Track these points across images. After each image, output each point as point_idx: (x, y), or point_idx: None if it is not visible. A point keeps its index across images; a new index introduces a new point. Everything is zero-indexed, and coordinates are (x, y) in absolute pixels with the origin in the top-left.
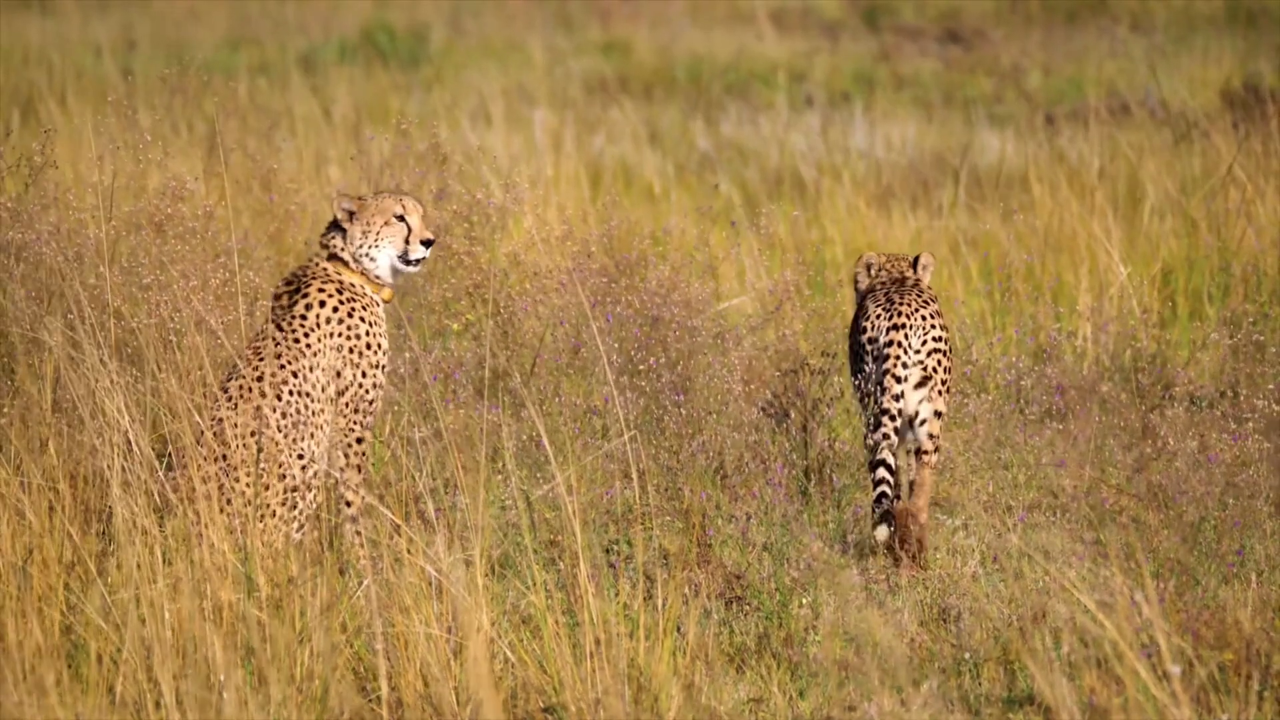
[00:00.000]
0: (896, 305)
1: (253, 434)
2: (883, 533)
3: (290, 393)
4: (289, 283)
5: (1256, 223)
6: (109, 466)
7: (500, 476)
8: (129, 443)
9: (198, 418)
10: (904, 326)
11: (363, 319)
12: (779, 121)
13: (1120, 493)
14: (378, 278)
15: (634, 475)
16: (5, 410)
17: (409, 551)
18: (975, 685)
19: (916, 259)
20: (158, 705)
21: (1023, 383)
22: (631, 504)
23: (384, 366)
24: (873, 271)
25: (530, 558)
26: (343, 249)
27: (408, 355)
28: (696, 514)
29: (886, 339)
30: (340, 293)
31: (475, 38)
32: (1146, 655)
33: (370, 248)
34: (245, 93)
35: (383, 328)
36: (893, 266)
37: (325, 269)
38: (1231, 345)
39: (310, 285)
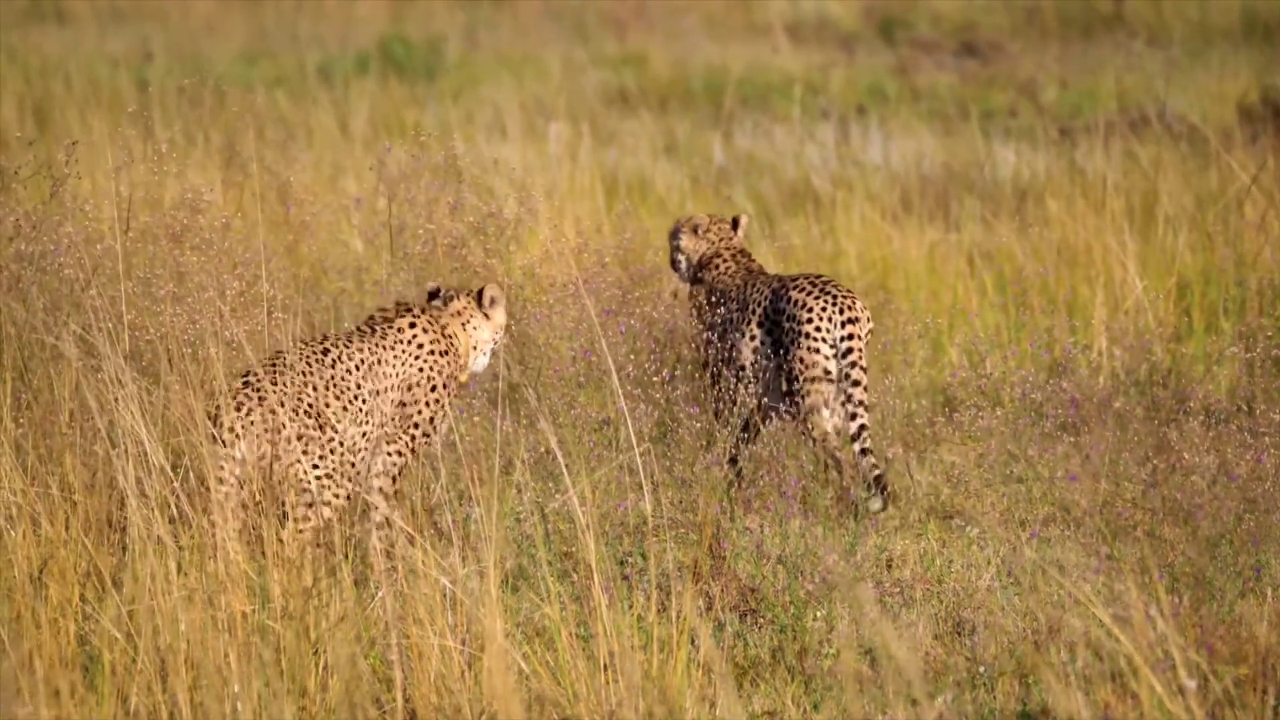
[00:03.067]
0: (843, 298)
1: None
2: (876, 504)
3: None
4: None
5: (1273, 237)
6: (124, 477)
7: (515, 489)
8: (144, 453)
9: (211, 427)
10: (858, 320)
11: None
12: (795, 134)
13: (1135, 507)
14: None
15: (648, 487)
16: (22, 420)
17: (424, 563)
18: (990, 699)
19: (736, 220)
20: (171, 716)
21: (1037, 396)
22: (645, 516)
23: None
24: (700, 233)
25: (544, 570)
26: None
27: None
28: (710, 526)
29: (844, 332)
30: (439, 332)
31: (491, 50)
32: (1162, 670)
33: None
34: (262, 105)
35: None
36: (719, 229)
37: (438, 313)
38: (1247, 360)
39: (418, 316)
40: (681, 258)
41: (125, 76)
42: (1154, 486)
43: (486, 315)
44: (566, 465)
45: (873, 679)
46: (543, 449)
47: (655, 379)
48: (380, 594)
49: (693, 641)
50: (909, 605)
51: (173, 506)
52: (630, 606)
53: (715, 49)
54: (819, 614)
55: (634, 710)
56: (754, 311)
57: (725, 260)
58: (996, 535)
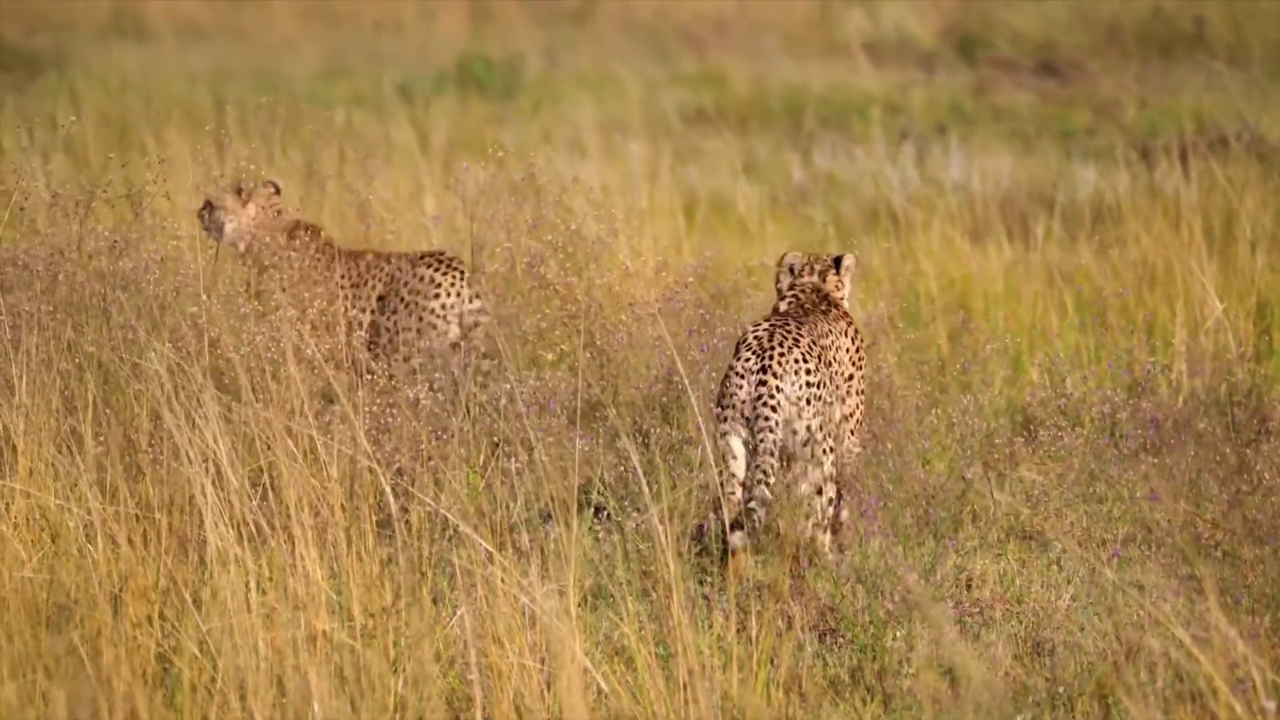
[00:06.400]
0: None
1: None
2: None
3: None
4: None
5: None
6: (203, 495)
7: (593, 508)
8: (222, 472)
9: (292, 444)
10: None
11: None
12: (874, 153)
13: (1216, 527)
14: None
15: (726, 507)
16: (102, 438)
17: (503, 581)
18: (1069, 719)
19: (275, 184)
20: None
21: (1117, 416)
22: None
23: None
24: (243, 197)
25: (623, 589)
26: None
27: (505, 386)
28: (790, 545)
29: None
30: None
31: (570, 69)
32: (1242, 691)
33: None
34: (341, 123)
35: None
36: (267, 199)
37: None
38: None
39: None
40: (223, 215)
41: (204, 94)
42: (1234, 507)
43: (842, 282)
44: (646, 484)
45: (952, 699)
46: (622, 468)
47: None
48: (459, 612)
49: (772, 661)
50: (988, 625)
51: (251, 525)
52: (709, 626)
53: (794, 68)
54: (898, 634)
55: None
56: (370, 285)
57: (289, 232)
58: (1076, 555)
